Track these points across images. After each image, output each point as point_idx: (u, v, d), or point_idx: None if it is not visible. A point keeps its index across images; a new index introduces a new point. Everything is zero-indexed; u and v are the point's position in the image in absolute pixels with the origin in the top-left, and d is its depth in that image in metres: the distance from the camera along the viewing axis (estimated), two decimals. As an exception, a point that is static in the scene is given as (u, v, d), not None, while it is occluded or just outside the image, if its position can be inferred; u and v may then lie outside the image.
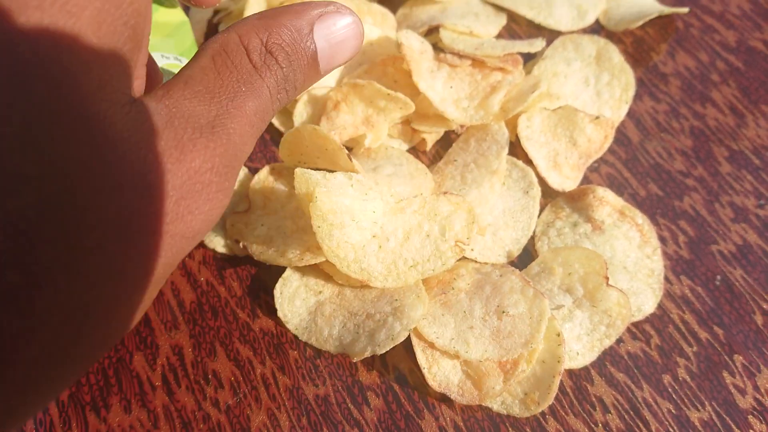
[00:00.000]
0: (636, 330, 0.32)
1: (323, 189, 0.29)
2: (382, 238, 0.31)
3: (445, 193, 0.33)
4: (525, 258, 0.34)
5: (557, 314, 0.31)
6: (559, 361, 0.29)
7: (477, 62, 0.37)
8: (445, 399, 0.30)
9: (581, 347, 0.31)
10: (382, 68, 0.38)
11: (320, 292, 0.32)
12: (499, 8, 0.43)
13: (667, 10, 0.42)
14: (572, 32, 0.42)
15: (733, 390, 0.31)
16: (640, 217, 0.34)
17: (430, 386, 0.30)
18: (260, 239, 0.33)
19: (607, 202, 0.34)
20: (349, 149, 0.37)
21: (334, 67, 0.24)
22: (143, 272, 0.19)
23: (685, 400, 0.31)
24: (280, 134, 0.38)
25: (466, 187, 0.34)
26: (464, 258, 0.33)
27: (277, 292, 0.32)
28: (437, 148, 0.38)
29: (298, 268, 0.33)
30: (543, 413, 0.30)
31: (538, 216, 0.35)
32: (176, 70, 0.30)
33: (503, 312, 0.30)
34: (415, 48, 0.37)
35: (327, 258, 0.30)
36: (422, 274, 0.31)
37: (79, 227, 0.16)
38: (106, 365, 0.31)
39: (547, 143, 0.36)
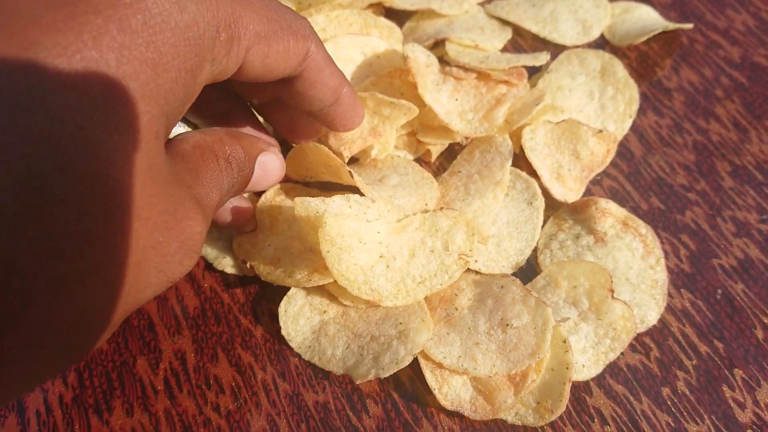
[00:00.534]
0: (636, 343, 0.33)
1: (332, 214, 0.30)
2: (388, 257, 0.31)
3: (441, 208, 0.33)
4: (528, 271, 0.35)
5: (563, 327, 0.31)
6: (567, 368, 0.29)
7: (482, 75, 0.38)
8: (443, 408, 0.30)
9: (586, 360, 0.31)
10: (389, 80, 0.38)
11: (324, 311, 0.32)
12: (505, 22, 0.43)
13: (672, 25, 0.42)
14: (577, 47, 0.42)
15: (732, 404, 0.31)
16: (644, 227, 0.34)
17: (443, 405, 0.30)
18: (267, 260, 0.33)
19: (609, 213, 0.35)
20: (356, 160, 0.37)
21: (257, 189, 0.31)
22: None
23: (684, 414, 0.31)
24: (286, 148, 0.39)
25: (469, 198, 0.35)
26: (468, 270, 0.33)
27: (281, 310, 0.32)
28: (441, 159, 0.39)
29: (303, 288, 0.33)
30: (540, 425, 0.30)
31: (542, 228, 0.35)
32: None
33: (507, 325, 0.30)
34: (421, 61, 0.37)
35: (338, 282, 0.30)
36: (430, 290, 0.31)
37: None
38: (110, 368, 0.31)
39: (550, 155, 0.37)
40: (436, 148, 0.38)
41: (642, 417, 0.31)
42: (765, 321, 0.33)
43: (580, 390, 0.31)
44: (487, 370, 0.29)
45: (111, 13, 0.19)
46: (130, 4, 0.20)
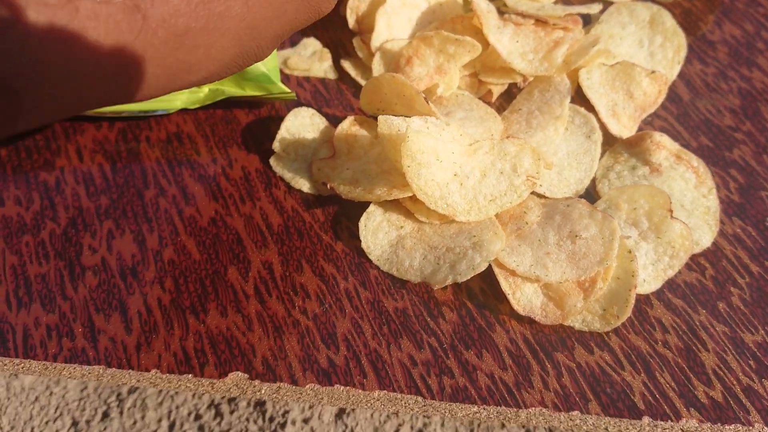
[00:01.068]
0: (691, 262, 0.35)
1: (414, 130, 0.32)
2: (462, 176, 0.34)
3: (508, 137, 0.36)
4: (587, 199, 0.37)
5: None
6: (633, 276, 0.31)
7: (539, 22, 0.40)
8: (515, 315, 0.33)
9: (647, 275, 0.33)
10: (451, 26, 0.41)
11: (401, 227, 0.35)
12: (556, -22, 0.46)
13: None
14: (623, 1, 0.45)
15: (785, 314, 0.33)
16: (695, 160, 0.37)
17: (515, 310, 0.32)
18: (346, 181, 0.35)
19: (663, 146, 0.37)
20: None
21: None
22: None
23: (740, 325, 0.33)
24: (357, 85, 0.41)
25: (531, 131, 0.37)
26: (534, 193, 0.35)
27: (361, 224, 0.34)
28: (500, 101, 0.41)
29: (380, 205, 0.35)
30: (606, 331, 0.32)
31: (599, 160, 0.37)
32: None
33: (576, 236, 0.32)
34: (483, 7, 0.40)
35: (416, 195, 0.33)
36: (501, 207, 0.33)
37: None
38: (203, 276, 0.33)
39: (605, 94, 0.39)
40: (497, 88, 0.40)
41: (700, 327, 0.33)
42: (813, 244, 0.35)
43: (641, 302, 0.33)
44: (558, 276, 0.32)
45: None
46: None
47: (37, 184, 0.36)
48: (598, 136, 0.37)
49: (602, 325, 0.32)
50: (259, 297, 0.33)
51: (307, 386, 0.30)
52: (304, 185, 0.36)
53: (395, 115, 0.33)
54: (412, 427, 0.49)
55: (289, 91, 0.39)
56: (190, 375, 0.31)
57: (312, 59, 0.42)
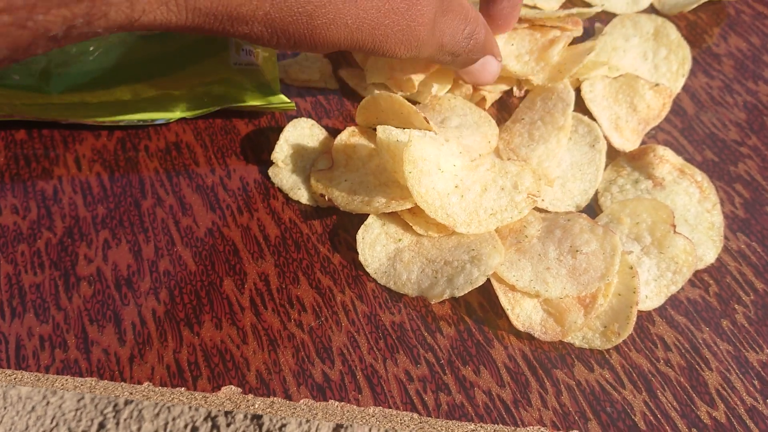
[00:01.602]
0: (695, 279, 0.34)
1: (417, 136, 0.32)
2: (463, 188, 0.33)
3: (509, 159, 0.35)
4: (589, 213, 0.36)
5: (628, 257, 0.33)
6: (634, 292, 0.31)
7: (536, 26, 0.40)
8: (513, 331, 0.32)
9: (649, 292, 0.33)
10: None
11: (399, 240, 0.34)
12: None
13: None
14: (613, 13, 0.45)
15: (791, 333, 0.32)
16: (699, 175, 0.36)
17: (514, 326, 0.31)
18: (344, 193, 0.35)
19: (667, 160, 0.36)
20: (416, 103, 0.39)
21: (468, 79, 0.37)
22: None
23: (744, 343, 0.32)
24: (356, 95, 0.41)
25: (533, 143, 0.37)
26: (535, 208, 0.35)
27: (359, 237, 0.34)
28: (493, 111, 0.41)
29: (378, 218, 0.35)
30: (606, 348, 0.32)
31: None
32: None
33: (576, 251, 0.32)
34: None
35: (417, 203, 0.32)
36: (501, 222, 0.33)
37: None
38: (198, 287, 0.33)
39: (608, 107, 0.39)
40: (491, 95, 0.40)
41: (703, 345, 0.32)
42: (819, 261, 0.35)
43: (643, 319, 0.33)
44: (558, 292, 0.31)
45: None
46: None
47: (35, 192, 0.36)
48: (603, 144, 0.37)
49: (603, 342, 0.31)
50: (254, 309, 0.32)
51: (301, 401, 0.30)
52: (302, 196, 0.36)
53: (393, 129, 0.33)
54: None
55: (289, 101, 0.38)
56: (183, 388, 0.30)
57: (312, 69, 0.42)
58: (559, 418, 0.30)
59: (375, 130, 0.38)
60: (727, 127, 0.40)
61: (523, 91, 0.40)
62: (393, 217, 0.34)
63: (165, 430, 0.52)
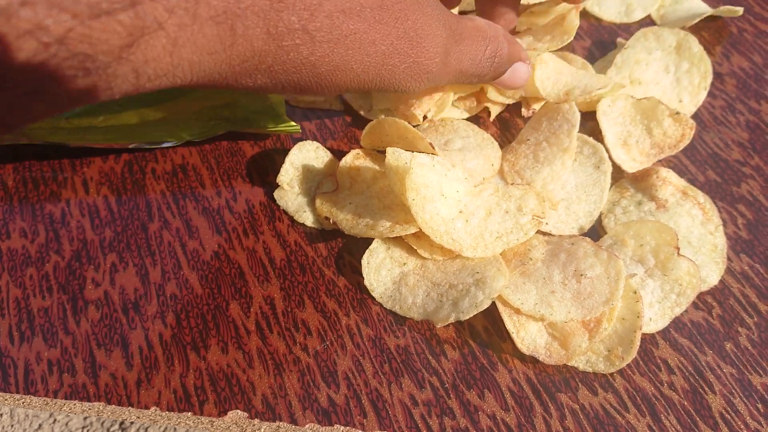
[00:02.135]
0: (698, 301, 0.34)
1: (418, 163, 0.32)
2: (467, 213, 0.34)
3: (512, 183, 0.36)
4: (593, 236, 0.36)
5: (632, 280, 0.33)
6: (638, 317, 0.31)
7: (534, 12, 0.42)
8: (517, 354, 0.32)
9: (653, 314, 0.33)
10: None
11: (404, 264, 0.34)
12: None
13: (723, 8, 0.44)
14: (614, 24, 0.46)
15: (794, 356, 0.32)
16: (702, 197, 0.36)
17: (519, 349, 0.32)
18: (349, 216, 0.35)
19: (669, 182, 0.36)
20: (416, 126, 0.40)
21: (504, 86, 0.38)
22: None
23: (748, 366, 0.32)
24: (360, 117, 0.41)
25: (538, 165, 0.37)
26: (539, 232, 0.35)
27: (364, 261, 0.34)
28: (497, 131, 0.41)
29: (383, 242, 0.35)
30: (610, 372, 0.32)
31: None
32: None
33: (581, 275, 0.32)
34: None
35: (421, 229, 0.32)
36: (507, 245, 0.33)
37: None
38: (205, 311, 0.33)
39: (622, 123, 0.39)
40: (495, 107, 0.40)
41: (707, 368, 0.32)
42: (822, 283, 0.35)
43: (646, 342, 0.33)
44: (563, 315, 0.31)
45: None
46: None
47: (43, 216, 0.37)
48: (607, 166, 0.37)
49: (607, 366, 0.32)
50: (260, 333, 0.33)
51: (307, 426, 0.30)
52: (307, 219, 0.36)
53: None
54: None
55: (294, 124, 0.39)
56: (190, 413, 0.30)
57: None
58: (564, 442, 0.30)
59: (380, 152, 0.38)
60: (729, 147, 0.40)
61: (530, 112, 0.41)
62: (397, 240, 0.35)
63: (171, 447, 0.52)
